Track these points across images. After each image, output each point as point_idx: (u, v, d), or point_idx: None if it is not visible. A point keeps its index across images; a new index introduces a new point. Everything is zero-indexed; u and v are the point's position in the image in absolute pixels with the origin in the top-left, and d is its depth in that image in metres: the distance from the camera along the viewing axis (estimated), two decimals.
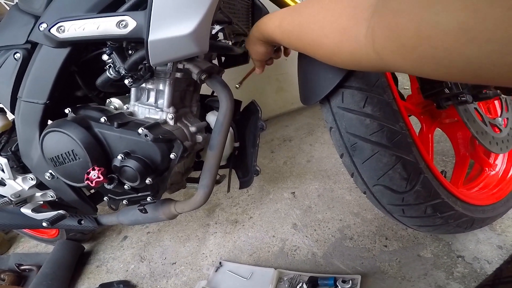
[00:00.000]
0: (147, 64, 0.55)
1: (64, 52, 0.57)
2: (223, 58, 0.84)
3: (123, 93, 0.70)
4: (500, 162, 0.84)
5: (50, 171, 0.64)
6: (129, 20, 0.49)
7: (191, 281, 0.90)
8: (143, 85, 0.62)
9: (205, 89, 0.70)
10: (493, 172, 0.83)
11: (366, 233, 0.86)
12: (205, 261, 0.95)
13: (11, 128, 0.74)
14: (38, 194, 0.73)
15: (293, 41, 0.47)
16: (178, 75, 0.61)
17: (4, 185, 0.72)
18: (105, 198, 0.68)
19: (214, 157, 0.58)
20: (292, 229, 0.96)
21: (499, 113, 0.80)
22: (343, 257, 0.82)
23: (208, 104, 0.73)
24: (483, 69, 0.22)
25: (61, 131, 0.56)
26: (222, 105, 0.58)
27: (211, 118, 0.70)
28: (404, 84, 1.37)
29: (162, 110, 0.63)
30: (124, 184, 0.58)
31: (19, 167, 0.70)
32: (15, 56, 0.61)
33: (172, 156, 0.57)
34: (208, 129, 0.70)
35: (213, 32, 0.63)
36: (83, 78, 0.65)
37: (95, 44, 0.61)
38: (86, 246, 1.17)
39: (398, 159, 0.54)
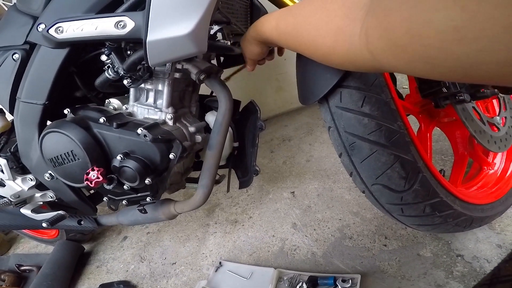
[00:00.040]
0: (145, 65, 0.55)
1: (62, 52, 0.57)
2: (222, 58, 0.84)
3: (122, 93, 0.70)
4: (498, 161, 0.84)
5: (49, 171, 0.64)
6: (127, 21, 0.49)
7: (191, 281, 0.90)
8: (142, 85, 0.62)
9: (204, 89, 0.70)
10: (491, 171, 0.83)
11: (365, 232, 0.86)
12: (205, 261, 0.95)
13: (10, 129, 0.74)
14: (38, 194, 0.73)
15: (290, 42, 0.47)
16: (177, 75, 0.61)
17: (4, 186, 0.72)
18: (105, 199, 0.68)
19: (213, 157, 0.59)
20: (291, 229, 0.96)
21: (497, 112, 0.80)
22: (343, 257, 0.82)
23: (207, 104, 0.74)
24: (473, 67, 0.22)
25: (60, 132, 0.56)
26: (221, 105, 0.58)
27: (210, 118, 0.70)
28: (403, 84, 1.37)
29: (161, 111, 0.63)
30: (124, 184, 0.59)
31: (19, 168, 0.70)
32: (14, 57, 0.61)
33: (171, 156, 0.57)
34: (207, 129, 0.70)
35: (212, 32, 0.63)
36: (82, 79, 0.65)
37: (93, 45, 0.62)
38: (86, 247, 1.17)
39: (397, 158, 0.54)
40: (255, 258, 0.90)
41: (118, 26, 0.50)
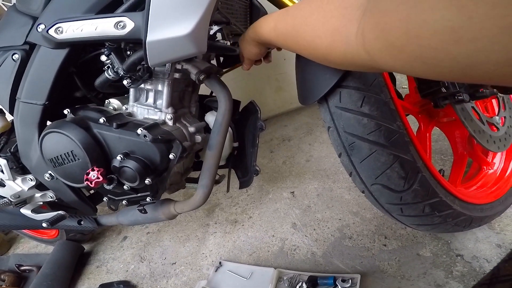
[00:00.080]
0: (145, 65, 0.55)
1: (62, 53, 0.57)
2: (221, 58, 0.84)
3: (122, 93, 0.70)
4: (498, 161, 0.84)
5: (49, 172, 0.64)
6: (127, 21, 0.49)
7: (191, 281, 0.90)
8: (142, 85, 0.62)
9: (204, 89, 0.70)
10: (491, 171, 0.83)
11: (365, 232, 0.87)
12: (205, 261, 0.95)
13: (10, 129, 0.75)
14: (38, 195, 0.73)
15: (288, 43, 0.47)
16: (177, 75, 0.61)
17: (4, 186, 0.72)
18: (105, 199, 0.68)
19: (213, 157, 0.59)
20: (291, 229, 0.96)
21: (496, 112, 0.81)
22: (343, 256, 0.82)
23: (207, 104, 0.74)
24: (470, 68, 0.22)
25: (60, 132, 0.56)
26: (221, 105, 0.58)
27: (210, 118, 0.70)
28: (402, 84, 1.37)
29: (161, 111, 0.63)
30: (124, 184, 0.59)
31: (19, 168, 0.70)
32: (14, 57, 0.61)
33: (171, 156, 0.57)
34: (207, 129, 0.70)
35: (211, 32, 0.63)
36: (81, 79, 0.65)
37: (93, 45, 0.62)
38: (86, 247, 1.17)
39: (396, 158, 0.54)
40: (255, 258, 0.90)
41: (118, 26, 0.50)
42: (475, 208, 0.67)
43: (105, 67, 0.58)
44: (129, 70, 0.55)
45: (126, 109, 0.66)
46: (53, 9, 0.56)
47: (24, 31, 0.60)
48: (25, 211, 0.72)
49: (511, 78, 0.21)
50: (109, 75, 0.57)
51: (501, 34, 0.19)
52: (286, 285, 0.78)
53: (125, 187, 0.59)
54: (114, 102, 0.67)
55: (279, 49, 0.77)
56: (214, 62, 0.82)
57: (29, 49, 0.61)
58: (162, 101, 0.62)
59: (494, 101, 0.85)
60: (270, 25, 0.50)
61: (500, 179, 0.81)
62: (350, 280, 0.73)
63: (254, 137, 0.66)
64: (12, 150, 0.69)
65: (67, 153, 0.57)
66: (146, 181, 0.56)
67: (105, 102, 0.67)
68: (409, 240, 0.80)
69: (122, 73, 0.56)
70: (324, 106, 0.58)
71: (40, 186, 0.71)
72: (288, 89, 1.62)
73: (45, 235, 1.21)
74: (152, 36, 0.47)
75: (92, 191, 0.77)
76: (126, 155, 0.56)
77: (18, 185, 0.71)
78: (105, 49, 0.56)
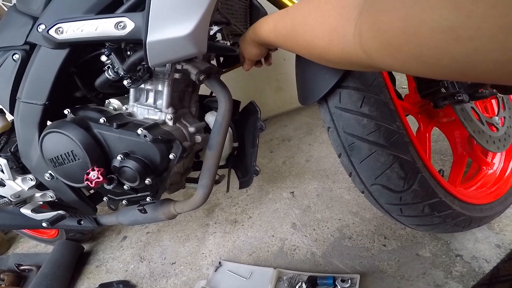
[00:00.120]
0: (145, 65, 0.55)
1: (62, 53, 0.57)
2: (221, 59, 0.84)
3: (122, 94, 0.70)
4: (497, 161, 0.84)
5: (49, 171, 0.64)
6: (127, 22, 0.50)
7: (190, 281, 0.90)
8: (142, 86, 0.62)
9: (204, 90, 0.70)
10: (490, 171, 0.83)
11: (365, 232, 0.87)
12: (204, 261, 0.95)
13: (11, 129, 0.75)
14: (38, 194, 0.74)
15: (288, 43, 0.47)
16: (177, 75, 0.61)
17: (4, 185, 0.72)
18: (105, 199, 0.68)
19: (213, 157, 0.59)
20: (291, 229, 0.96)
21: (496, 112, 0.81)
22: (342, 257, 0.82)
23: (207, 104, 0.74)
24: (469, 66, 0.22)
25: (61, 132, 0.56)
26: (221, 106, 0.58)
27: (210, 118, 0.70)
28: (402, 84, 1.38)
29: (161, 111, 0.63)
30: (124, 184, 0.59)
31: (19, 168, 0.70)
32: (14, 57, 0.61)
33: (171, 156, 0.57)
34: (207, 129, 0.70)
35: (211, 33, 0.63)
36: (82, 79, 0.65)
37: (93, 45, 0.62)
38: (86, 246, 1.17)
39: (396, 159, 0.54)
40: (254, 258, 0.91)
41: (118, 26, 0.50)
42: (475, 208, 0.67)
43: (105, 67, 0.58)
44: (129, 70, 0.55)
45: (126, 109, 0.66)
46: (53, 9, 0.57)
47: (24, 31, 0.60)
48: (25, 210, 0.72)
49: (510, 77, 0.21)
50: (109, 75, 0.57)
51: (500, 33, 0.19)
52: (285, 285, 0.78)
53: (125, 187, 0.59)
54: (114, 102, 0.67)
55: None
56: (214, 62, 0.82)
57: (29, 49, 0.61)
58: (162, 101, 0.62)
59: (493, 102, 0.85)
60: (270, 26, 0.50)
61: (499, 180, 0.81)
62: (349, 280, 0.73)
63: (254, 137, 0.66)
64: (12, 150, 0.69)
65: (67, 153, 0.57)
66: (146, 181, 0.56)
67: (105, 102, 0.67)
68: (409, 240, 0.80)
69: (122, 73, 0.56)
70: (324, 106, 0.58)
71: (40, 186, 0.71)
72: (288, 89, 1.62)
73: (45, 234, 1.21)
74: (152, 36, 0.47)
75: (92, 191, 0.77)
76: (126, 155, 0.56)
77: (18, 185, 0.71)
78: (105, 49, 0.56)
